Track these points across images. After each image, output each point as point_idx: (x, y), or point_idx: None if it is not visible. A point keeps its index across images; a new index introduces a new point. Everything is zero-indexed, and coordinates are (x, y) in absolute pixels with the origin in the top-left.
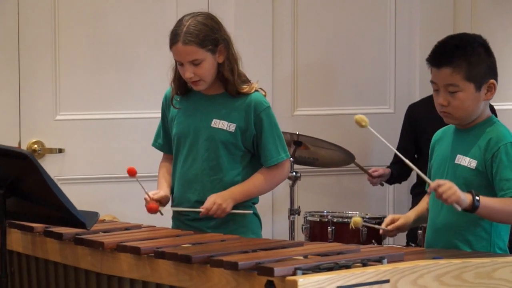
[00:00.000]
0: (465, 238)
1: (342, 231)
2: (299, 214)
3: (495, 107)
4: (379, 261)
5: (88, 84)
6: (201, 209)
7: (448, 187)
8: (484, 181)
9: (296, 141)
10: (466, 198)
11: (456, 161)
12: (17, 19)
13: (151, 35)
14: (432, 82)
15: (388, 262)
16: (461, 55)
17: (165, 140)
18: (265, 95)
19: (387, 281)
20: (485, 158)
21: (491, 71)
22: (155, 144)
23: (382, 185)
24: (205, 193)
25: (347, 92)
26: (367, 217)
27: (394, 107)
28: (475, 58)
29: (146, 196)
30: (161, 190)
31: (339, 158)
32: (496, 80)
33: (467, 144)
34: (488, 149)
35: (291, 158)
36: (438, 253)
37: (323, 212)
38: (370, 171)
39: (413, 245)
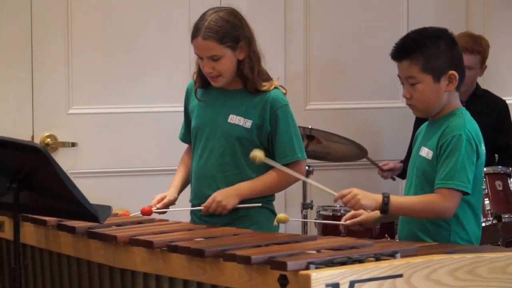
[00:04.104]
0: (425, 228)
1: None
2: (311, 208)
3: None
4: (392, 255)
5: (100, 78)
6: (202, 207)
7: (352, 196)
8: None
9: (309, 135)
10: (373, 202)
11: (420, 153)
12: (30, 13)
13: (163, 30)
14: (398, 76)
15: (402, 256)
16: (418, 48)
17: (187, 131)
18: (285, 93)
19: (401, 275)
20: (438, 148)
21: (452, 63)
22: (180, 136)
23: (393, 179)
24: (220, 188)
25: (359, 87)
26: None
27: None
28: (433, 50)
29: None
30: (167, 193)
31: (351, 152)
32: (459, 72)
33: (430, 136)
34: (441, 139)
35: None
36: (451, 248)
37: (335, 206)
38: (380, 164)
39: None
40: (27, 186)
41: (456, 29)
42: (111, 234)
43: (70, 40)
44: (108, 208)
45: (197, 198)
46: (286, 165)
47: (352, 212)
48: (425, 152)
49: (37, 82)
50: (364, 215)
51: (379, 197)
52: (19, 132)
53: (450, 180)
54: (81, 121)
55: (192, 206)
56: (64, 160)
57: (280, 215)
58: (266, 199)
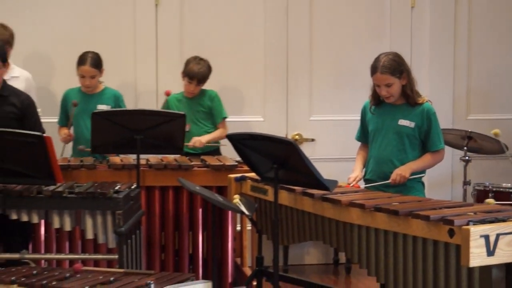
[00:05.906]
0: None
1: (499, 197)
2: (469, 184)
3: None
4: None
5: (330, 97)
6: (390, 181)
7: None
8: None
9: (469, 136)
10: None
11: None
12: (286, 52)
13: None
14: None
15: None
16: None
17: (362, 134)
18: (431, 104)
19: None
20: None
21: None
22: (356, 137)
23: None
24: (394, 167)
25: (503, 104)
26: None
27: None
28: None
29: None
30: (357, 173)
31: (496, 148)
32: None
33: None
34: None
35: (465, 147)
36: None
37: (486, 183)
38: None
39: None
40: (283, 166)
41: None
42: (337, 199)
43: (312, 71)
44: (335, 182)
45: (376, 175)
46: (435, 151)
47: None
48: None
49: (290, 99)
50: None
51: None
52: (278, 131)
53: None
54: (318, 125)
55: (369, 181)
56: (307, 150)
57: (490, 200)
58: (420, 176)
